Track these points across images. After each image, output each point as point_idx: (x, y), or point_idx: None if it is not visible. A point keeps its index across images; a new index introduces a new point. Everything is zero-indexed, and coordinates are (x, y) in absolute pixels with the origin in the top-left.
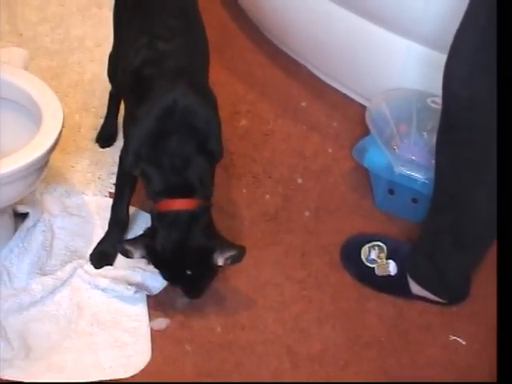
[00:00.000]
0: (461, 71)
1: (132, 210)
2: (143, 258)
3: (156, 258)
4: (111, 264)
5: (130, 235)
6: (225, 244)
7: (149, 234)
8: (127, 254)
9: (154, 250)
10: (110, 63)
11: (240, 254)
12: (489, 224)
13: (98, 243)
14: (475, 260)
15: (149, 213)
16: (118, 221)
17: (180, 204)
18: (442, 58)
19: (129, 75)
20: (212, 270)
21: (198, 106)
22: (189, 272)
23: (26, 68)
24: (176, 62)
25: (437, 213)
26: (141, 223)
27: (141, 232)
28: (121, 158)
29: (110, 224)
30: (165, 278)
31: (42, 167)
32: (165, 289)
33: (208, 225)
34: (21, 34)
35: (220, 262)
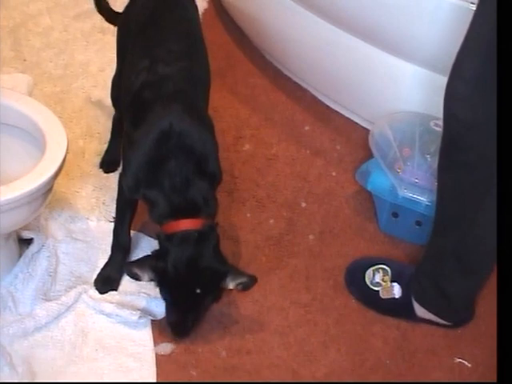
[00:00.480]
0: (462, 92)
1: (139, 236)
2: (151, 280)
3: (164, 279)
4: (116, 289)
5: (133, 258)
6: (238, 270)
7: (156, 255)
8: (135, 277)
9: (163, 272)
10: (113, 86)
11: (251, 282)
12: (493, 246)
13: (102, 268)
14: (479, 282)
15: (156, 237)
16: (121, 245)
17: (187, 224)
18: (444, 80)
19: (128, 97)
20: (219, 292)
21: (194, 129)
22: (198, 291)
23: (29, 94)
24: (174, 85)
25: (440, 236)
26: (143, 247)
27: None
28: (120, 182)
29: (113, 249)
30: (168, 300)
31: (46, 193)
32: None
33: (217, 244)
34: (25, 60)
35: (231, 286)
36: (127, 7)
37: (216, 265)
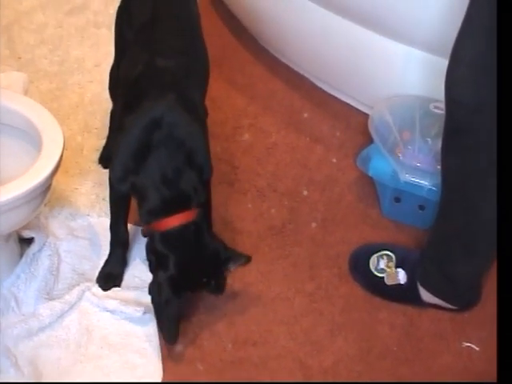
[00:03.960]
0: (463, 76)
1: (130, 227)
2: None
3: (175, 281)
4: (119, 285)
5: (135, 255)
6: (235, 252)
7: (159, 263)
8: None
9: (174, 277)
10: (111, 78)
11: (248, 260)
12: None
13: (103, 265)
14: (485, 265)
15: (146, 235)
16: (119, 240)
17: (181, 219)
18: (443, 62)
19: (124, 87)
20: (223, 277)
21: (184, 120)
22: (205, 279)
23: (25, 91)
24: (170, 77)
25: (444, 219)
26: (142, 239)
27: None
28: (110, 172)
29: (112, 244)
30: (174, 298)
31: (44, 191)
32: None
33: (209, 228)
34: (19, 58)
35: (232, 268)
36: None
37: (219, 251)
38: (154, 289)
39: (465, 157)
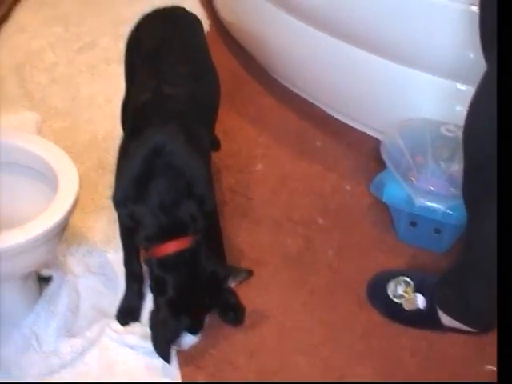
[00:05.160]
0: (481, 133)
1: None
2: None
3: (174, 304)
4: (138, 320)
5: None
6: (235, 268)
7: (158, 288)
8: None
9: (172, 299)
10: (124, 110)
11: (249, 275)
12: None
13: (121, 301)
14: None
15: (145, 263)
16: (133, 274)
17: (176, 245)
18: (453, 85)
19: (131, 113)
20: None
21: (185, 150)
22: (206, 300)
23: (39, 131)
24: (175, 105)
25: (466, 247)
26: None
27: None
28: (112, 196)
29: (127, 279)
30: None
31: (61, 231)
32: (194, 344)
33: (207, 253)
34: (32, 97)
35: (233, 285)
36: (135, 28)
37: (216, 271)
38: (152, 313)
39: (484, 202)
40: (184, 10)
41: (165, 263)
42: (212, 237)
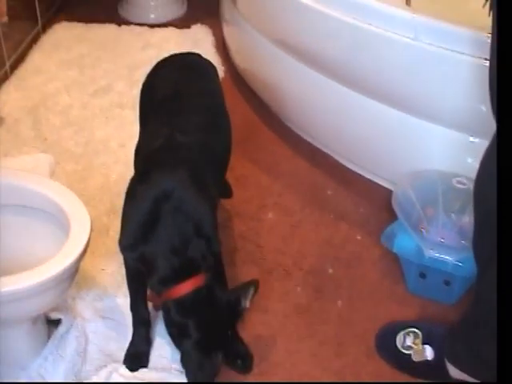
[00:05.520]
0: (493, 187)
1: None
2: None
3: (201, 344)
4: (146, 365)
5: (162, 334)
6: (244, 287)
7: (181, 333)
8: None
9: (198, 340)
10: (136, 155)
11: (257, 286)
12: None
13: (129, 346)
14: None
15: (158, 309)
16: (141, 320)
17: (192, 284)
18: (465, 138)
19: (143, 157)
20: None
21: (193, 196)
22: (229, 332)
23: (52, 173)
24: (186, 153)
25: (476, 302)
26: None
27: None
28: (118, 241)
29: (134, 325)
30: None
31: (72, 274)
32: None
33: (220, 285)
34: (45, 139)
35: (247, 304)
36: (150, 74)
37: (229, 298)
38: (184, 359)
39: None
40: (199, 56)
41: (183, 304)
42: (216, 269)
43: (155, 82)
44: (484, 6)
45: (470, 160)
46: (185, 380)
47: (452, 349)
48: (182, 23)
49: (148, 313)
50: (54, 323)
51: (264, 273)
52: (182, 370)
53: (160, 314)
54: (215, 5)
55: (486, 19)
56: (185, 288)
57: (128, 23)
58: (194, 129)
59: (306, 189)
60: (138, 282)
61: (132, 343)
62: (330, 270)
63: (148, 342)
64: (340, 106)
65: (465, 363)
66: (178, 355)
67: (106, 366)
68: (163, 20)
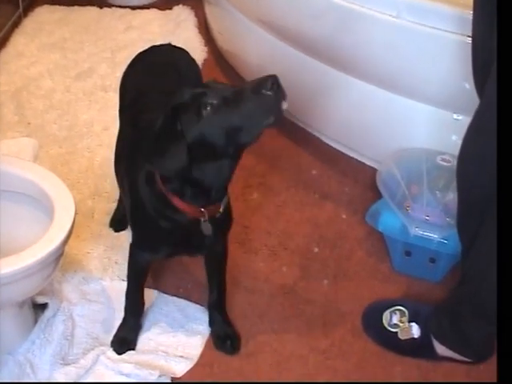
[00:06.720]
0: (475, 165)
1: (154, 293)
2: None
3: None
4: (133, 348)
5: (151, 319)
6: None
7: None
8: None
9: None
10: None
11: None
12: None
13: (117, 330)
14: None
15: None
16: (134, 307)
17: None
18: (449, 115)
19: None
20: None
21: None
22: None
23: (35, 157)
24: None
25: (460, 283)
26: (160, 305)
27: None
28: (131, 247)
29: (127, 311)
30: None
31: (57, 258)
32: (189, 371)
33: None
34: (29, 123)
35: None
36: (129, 66)
37: None
38: None
39: (476, 233)
40: (172, 48)
41: None
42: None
43: (130, 74)
44: None
45: (454, 137)
46: (170, 361)
47: (438, 326)
48: (164, 5)
49: (143, 301)
50: (40, 307)
51: (250, 253)
52: (167, 351)
53: (152, 301)
54: None
55: None
56: None
57: (110, 5)
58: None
59: (291, 169)
60: (142, 273)
61: (121, 328)
62: (316, 250)
63: (138, 329)
64: (324, 86)
65: (451, 340)
66: (164, 338)
67: (93, 349)
68: (145, 2)
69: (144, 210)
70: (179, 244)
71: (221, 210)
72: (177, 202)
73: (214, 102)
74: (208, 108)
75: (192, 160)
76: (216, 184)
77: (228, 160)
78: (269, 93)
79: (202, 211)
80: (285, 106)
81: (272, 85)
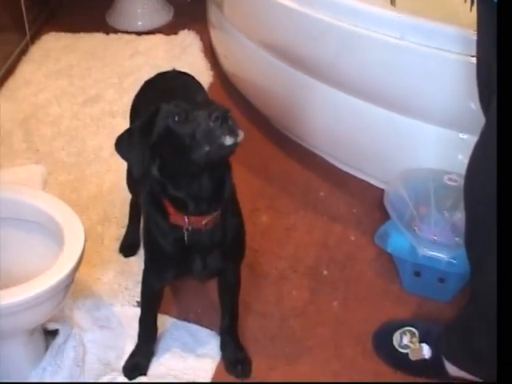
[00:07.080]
0: (482, 184)
1: (164, 318)
2: None
3: None
4: (145, 374)
5: (162, 344)
6: None
7: None
8: None
9: None
10: (129, 173)
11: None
12: None
13: (130, 355)
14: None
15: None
16: (147, 333)
17: None
18: (455, 135)
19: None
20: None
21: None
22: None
23: (44, 184)
24: None
25: (472, 299)
26: (171, 330)
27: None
28: (144, 272)
29: (140, 338)
30: None
31: (68, 285)
32: None
33: None
34: (37, 150)
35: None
36: (137, 95)
37: None
38: None
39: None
40: (178, 74)
41: None
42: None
43: (141, 100)
44: (465, 1)
45: (460, 157)
46: None
47: (449, 346)
48: (170, 30)
49: (156, 328)
50: (51, 334)
51: (259, 277)
52: (177, 375)
53: (165, 326)
54: (202, 10)
55: (471, 15)
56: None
57: (116, 31)
58: None
59: (299, 191)
60: (155, 300)
61: (134, 354)
62: (325, 272)
63: (150, 355)
64: (329, 108)
65: (462, 360)
66: (175, 362)
67: (104, 375)
68: (151, 27)
69: (150, 228)
70: (183, 265)
71: (203, 222)
72: (167, 204)
73: (180, 112)
74: (174, 117)
75: (162, 164)
76: (192, 194)
77: (201, 173)
78: (211, 124)
79: (184, 219)
80: (229, 141)
81: (216, 118)
